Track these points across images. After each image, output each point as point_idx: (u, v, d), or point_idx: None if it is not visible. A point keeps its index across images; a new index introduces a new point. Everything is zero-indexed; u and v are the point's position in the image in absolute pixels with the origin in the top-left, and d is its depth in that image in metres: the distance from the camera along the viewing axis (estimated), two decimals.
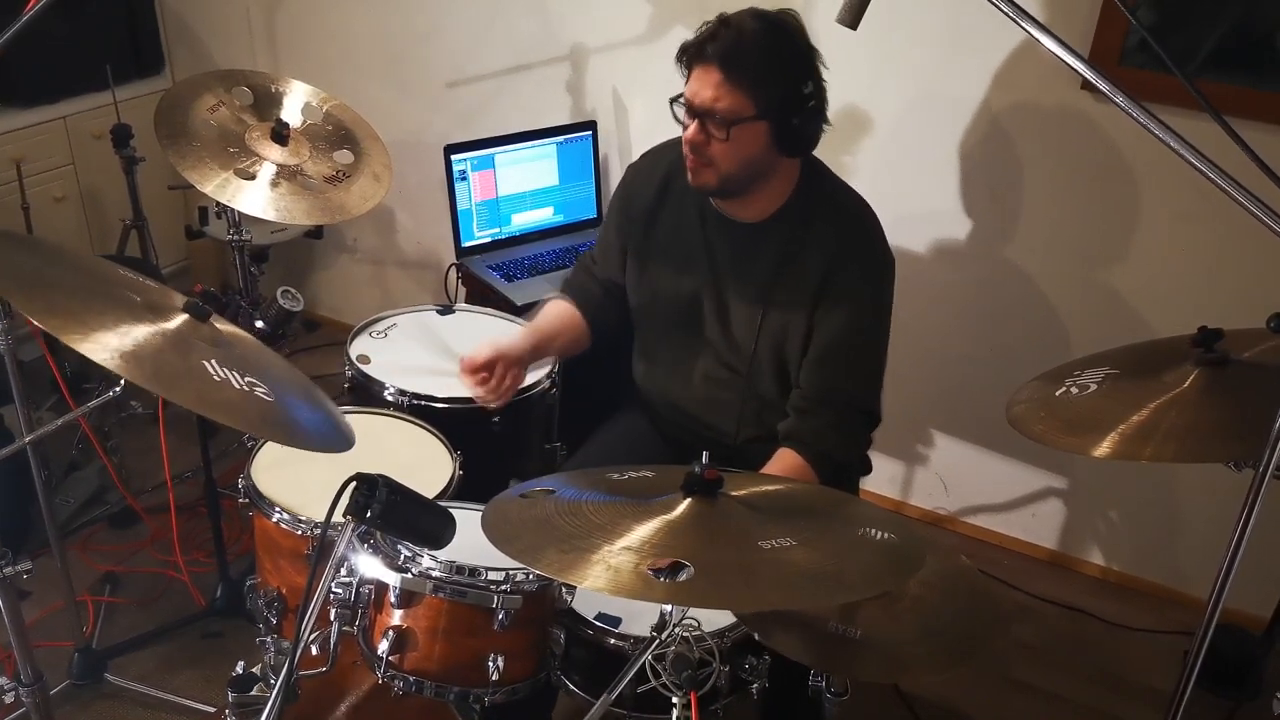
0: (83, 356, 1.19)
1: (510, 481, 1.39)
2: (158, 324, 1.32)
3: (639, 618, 1.52)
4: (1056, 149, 2.45)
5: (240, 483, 1.76)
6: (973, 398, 2.76)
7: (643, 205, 1.90)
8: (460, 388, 1.96)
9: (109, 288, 1.38)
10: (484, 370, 1.87)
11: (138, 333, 1.27)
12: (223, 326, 1.45)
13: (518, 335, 1.96)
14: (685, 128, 1.70)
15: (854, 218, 1.79)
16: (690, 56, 1.67)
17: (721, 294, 1.84)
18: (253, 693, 1.54)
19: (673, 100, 1.72)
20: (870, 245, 1.78)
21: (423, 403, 1.97)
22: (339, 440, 1.41)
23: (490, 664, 1.44)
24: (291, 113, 2.22)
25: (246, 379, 1.32)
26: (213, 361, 1.31)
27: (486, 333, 2.27)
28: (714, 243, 1.83)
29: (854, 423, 1.83)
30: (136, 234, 2.94)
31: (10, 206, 2.85)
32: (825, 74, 1.70)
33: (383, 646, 1.44)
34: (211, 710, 2.16)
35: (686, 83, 1.69)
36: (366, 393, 2.02)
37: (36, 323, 1.20)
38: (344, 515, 1.24)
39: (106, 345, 1.21)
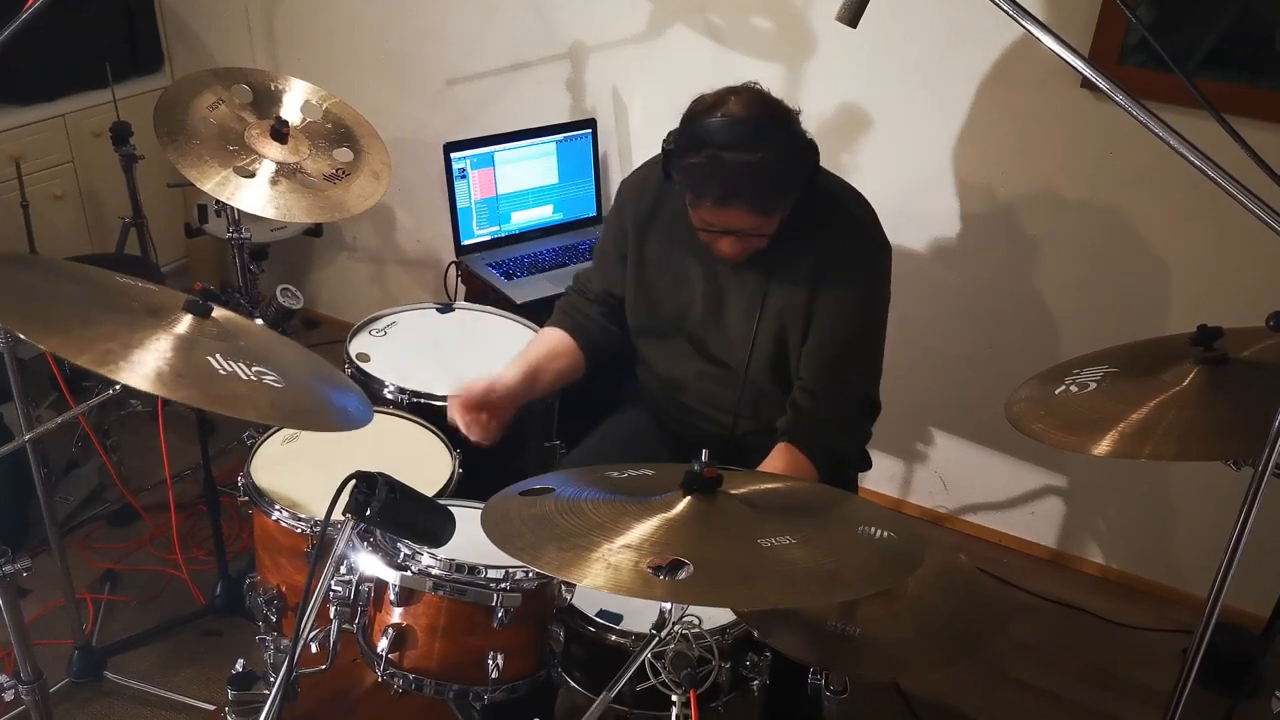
0: None
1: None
2: (159, 327, 1.31)
3: (640, 615, 1.52)
4: (1055, 147, 2.45)
5: (240, 480, 1.77)
6: (972, 396, 2.76)
7: (637, 212, 1.90)
8: (460, 386, 1.96)
9: (105, 296, 1.38)
10: (478, 408, 1.82)
11: (138, 339, 1.27)
12: (224, 318, 1.44)
13: (510, 370, 1.90)
14: (710, 235, 1.69)
15: (846, 208, 1.79)
16: (707, 201, 1.62)
17: (718, 291, 1.84)
18: (252, 691, 1.54)
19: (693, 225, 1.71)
20: (864, 234, 1.78)
21: (422, 400, 1.97)
22: (357, 415, 1.40)
23: (490, 662, 1.44)
24: (291, 111, 2.22)
25: (254, 369, 1.31)
26: (217, 356, 1.31)
27: (486, 331, 2.28)
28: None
29: (854, 413, 1.83)
30: (136, 232, 2.94)
31: (9, 204, 2.84)
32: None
33: (382, 644, 1.44)
34: (211, 708, 2.16)
35: (696, 210, 1.66)
36: (366, 391, 2.00)
37: (37, 343, 1.20)
38: (343, 513, 1.24)
39: (106, 355, 1.21)
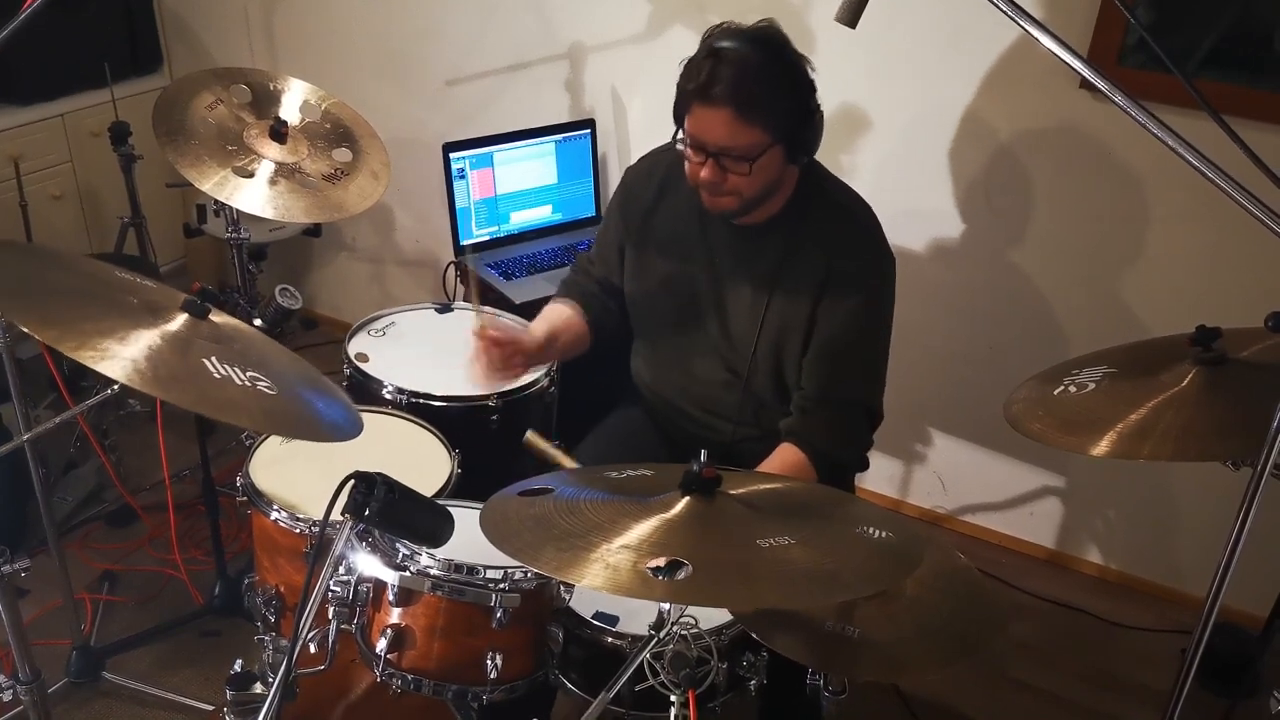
0: None
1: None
2: (155, 325, 1.31)
3: (636, 616, 1.52)
4: (1054, 148, 2.45)
5: (238, 481, 1.76)
6: (971, 397, 2.76)
7: (641, 206, 1.91)
8: (459, 386, 1.96)
9: (105, 291, 1.38)
10: (499, 345, 1.84)
11: (135, 336, 1.26)
12: (222, 321, 1.44)
13: (535, 328, 1.96)
14: (696, 163, 1.68)
15: (853, 216, 1.79)
16: (694, 98, 1.63)
17: (721, 294, 1.84)
18: (251, 691, 1.54)
19: (677, 139, 1.70)
20: (870, 243, 1.78)
21: (421, 401, 1.97)
22: (347, 427, 1.41)
23: (488, 662, 1.44)
24: (290, 110, 2.21)
25: (248, 374, 1.31)
26: (213, 359, 1.30)
27: None
28: (713, 244, 1.83)
29: (855, 421, 1.83)
30: (134, 232, 2.94)
31: (8, 204, 2.84)
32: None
33: (381, 645, 1.44)
34: (209, 709, 2.16)
35: (687, 119, 1.66)
36: (365, 391, 2.02)
37: (33, 334, 1.19)
38: (342, 513, 1.24)
39: (103, 351, 1.21)
